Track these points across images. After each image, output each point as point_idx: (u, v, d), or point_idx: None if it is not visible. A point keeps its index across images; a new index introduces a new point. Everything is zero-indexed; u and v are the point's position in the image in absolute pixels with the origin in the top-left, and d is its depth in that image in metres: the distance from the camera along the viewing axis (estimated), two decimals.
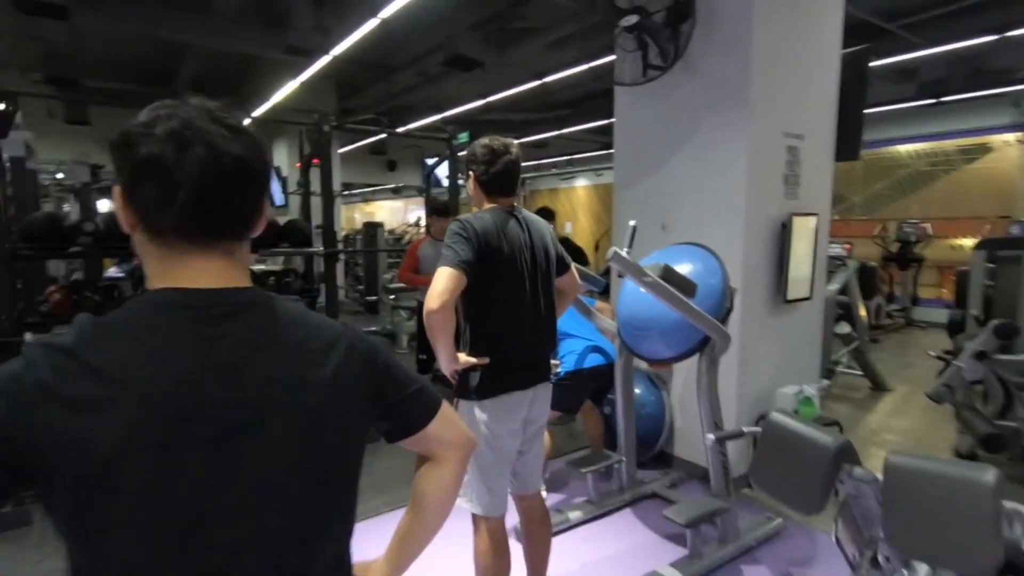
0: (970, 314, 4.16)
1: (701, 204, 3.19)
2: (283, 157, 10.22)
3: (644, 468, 3.21)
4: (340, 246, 9.98)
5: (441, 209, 4.49)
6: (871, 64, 6.04)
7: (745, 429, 2.25)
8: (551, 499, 3.00)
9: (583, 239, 11.92)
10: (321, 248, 4.25)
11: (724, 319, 2.38)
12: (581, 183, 13.83)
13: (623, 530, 2.76)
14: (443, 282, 1.63)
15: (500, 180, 1.82)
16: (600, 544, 2.64)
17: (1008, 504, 1.28)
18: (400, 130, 9.16)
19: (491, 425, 1.78)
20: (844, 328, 4.86)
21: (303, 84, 7.30)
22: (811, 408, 3.08)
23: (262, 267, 5.36)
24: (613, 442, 3.09)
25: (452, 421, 0.87)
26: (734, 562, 2.45)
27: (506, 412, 1.80)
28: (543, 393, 1.91)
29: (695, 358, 2.48)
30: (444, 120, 9.55)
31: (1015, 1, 5.10)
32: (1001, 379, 3.44)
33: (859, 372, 5.10)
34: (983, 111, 7.73)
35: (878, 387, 5.03)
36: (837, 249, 5.37)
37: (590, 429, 3.24)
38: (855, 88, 3.43)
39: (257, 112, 8.50)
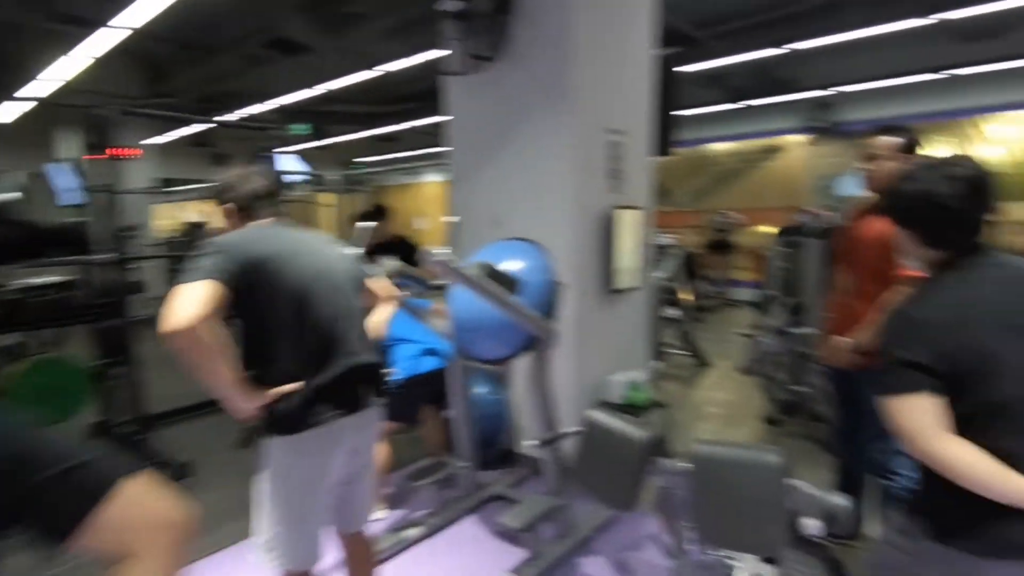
0: (770, 294, 4.69)
1: (532, 199, 3.17)
2: (78, 147, 8.68)
3: (489, 469, 3.14)
4: (167, 250, 8.78)
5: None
6: (687, 69, 6.66)
7: (567, 430, 2.24)
8: (392, 517, 2.80)
9: (433, 236, 11.76)
10: (112, 255, 3.60)
11: (551, 314, 2.36)
12: (431, 179, 13.63)
13: (467, 540, 2.65)
14: (190, 292, 1.33)
15: (256, 200, 1.70)
16: (441, 559, 2.50)
17: (791, 481, 1.36)
18: (221, 119, 8.22)
19: (305, 464, 1.53)
20: (671, 312, 5.25)
21: (97, 61, 6.20)
22: (641, 392, 3.22)
23: (40, 280, 4.40)
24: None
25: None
26: (573, 556, 2.46)
27: (325, 444, 1.55)
28: (369, 417, 1.68)
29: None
30: (280, 110, 8.76)
31: (801, 18, 5.88)
32: (794, 351, 3.90)
33: (686, 351, 5.55)
34: (776, 115, 8.95)
35: (702, 364, 5.51)
36: (666, 239, 5.79)
37: (431, 436, 3.09)
38: (666, 89, 3.64)
39: (31, 91, 7.07)
